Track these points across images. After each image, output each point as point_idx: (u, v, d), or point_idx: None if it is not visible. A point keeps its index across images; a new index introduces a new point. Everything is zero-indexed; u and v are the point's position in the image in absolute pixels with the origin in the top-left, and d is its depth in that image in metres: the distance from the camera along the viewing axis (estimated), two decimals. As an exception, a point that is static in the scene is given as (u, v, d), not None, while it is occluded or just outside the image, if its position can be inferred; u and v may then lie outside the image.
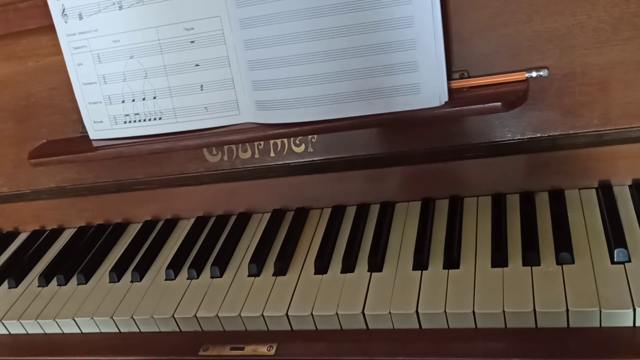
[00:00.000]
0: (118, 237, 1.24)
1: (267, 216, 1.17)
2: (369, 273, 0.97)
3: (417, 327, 0.89)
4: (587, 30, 0.94)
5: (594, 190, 1.01)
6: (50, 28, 1.10)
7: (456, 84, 0.99)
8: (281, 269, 1.02)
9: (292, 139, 1.11)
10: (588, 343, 0.81)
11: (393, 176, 1.09)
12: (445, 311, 0.86)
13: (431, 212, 1.06)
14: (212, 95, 1.07)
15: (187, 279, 1.07)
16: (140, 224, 1.25)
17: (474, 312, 0.85)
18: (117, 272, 1.12)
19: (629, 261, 0.86)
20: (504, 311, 0.84)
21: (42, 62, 1.19)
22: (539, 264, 0.89)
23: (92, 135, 1.17)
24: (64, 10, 1.08)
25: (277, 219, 1.15)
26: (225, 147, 1.15)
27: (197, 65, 1.06)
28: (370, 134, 1.07)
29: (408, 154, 1.07)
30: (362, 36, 0.96)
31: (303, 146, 1.12)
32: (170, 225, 1.23)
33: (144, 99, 1.10)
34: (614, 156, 0.99)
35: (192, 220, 1.22)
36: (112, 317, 1.03)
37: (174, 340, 1.00)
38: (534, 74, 0.96)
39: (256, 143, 1.13)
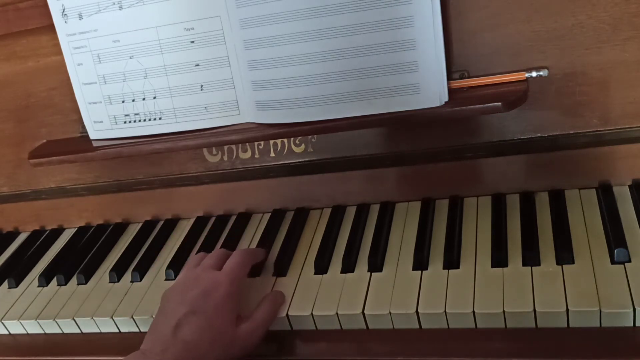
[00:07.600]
0: (118, 237, 1.24)
1: (267, 216, 1.17)
2: (369, 273, 0.97)
3: (417, 327, 0.89)
4: (587, 30, 0.94)
5: (594, 190, 1.01)
6: (50, 28, 1.10)
7: (456, 84, 0.99)
8: (281, 269, 1.02)
9: (292, 139, 1.11)
10: (588, 343, 0.81)
11: (393, 176, 1.09)
12: (445, 311, 0.86)
13: (431, 212, 1.06)
14: (212, 95, 1.07)
15: (187, 279, 1.07)
16: (140, 224, 1.25)
17: (474, 312, 0.85)
18: (117, 272, 1.12)
19: (629, 261, 0.86)
20: (504, 311, 0.84)
21: (42, 62, 1.19)
22: (539, 264, 0.89)
23: (92, 135, 1.17)
24: (64, 10, 1.08)
25: (277, 219, 1.15)
26: (225, 147, 1.15)
27: (197, 65, 1.06)
28: (370, 134, 1.07)
29: (408, 154, 1.07)
30: (362, 36, 0.96)
31: (303, 146, 1.11)
32: (170, 225, 1.23)
33: (144, 99, 1.10)
34: (614, 156, 0.99)
35: (192, 220, 1.22)
36: (112, 317, 1.03)
37: (174, 340, 1.00)
38: (534, 74, 0.96)
39: (256, 143, 1.13)
